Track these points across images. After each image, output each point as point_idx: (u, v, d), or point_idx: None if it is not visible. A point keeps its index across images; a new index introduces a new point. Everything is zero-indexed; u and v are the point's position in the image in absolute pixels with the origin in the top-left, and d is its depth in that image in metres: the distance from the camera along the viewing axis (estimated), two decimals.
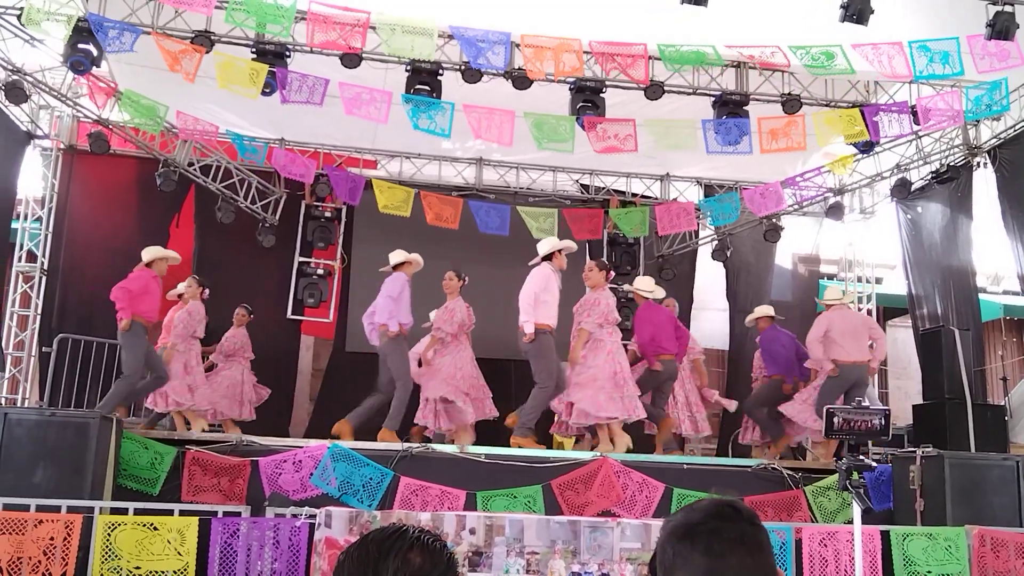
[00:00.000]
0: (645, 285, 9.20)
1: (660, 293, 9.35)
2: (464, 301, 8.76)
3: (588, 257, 12.17)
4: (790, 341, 9.59)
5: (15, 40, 8.48)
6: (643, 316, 8.97)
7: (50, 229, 10.81)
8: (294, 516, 5.95)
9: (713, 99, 8.76)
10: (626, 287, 9.16)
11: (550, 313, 8.06)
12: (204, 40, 7.88)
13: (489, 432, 8.92)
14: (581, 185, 12.17)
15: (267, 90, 7.97)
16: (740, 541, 1.53)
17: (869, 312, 12.62)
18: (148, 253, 8.36)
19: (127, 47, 7.66)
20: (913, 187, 10.63)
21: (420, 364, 8.77)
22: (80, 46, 7.68)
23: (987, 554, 6.18)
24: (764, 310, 9.95)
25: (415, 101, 8.26)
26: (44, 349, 10.27)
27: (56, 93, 9.40)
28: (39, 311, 10.68)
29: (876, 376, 12.31)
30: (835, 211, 11.23)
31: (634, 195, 12.08)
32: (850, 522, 6.08)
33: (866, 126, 8.64)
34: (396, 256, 8.72)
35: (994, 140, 9.66)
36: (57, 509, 5.77)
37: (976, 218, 10.10)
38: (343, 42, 7.87)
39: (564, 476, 7.13)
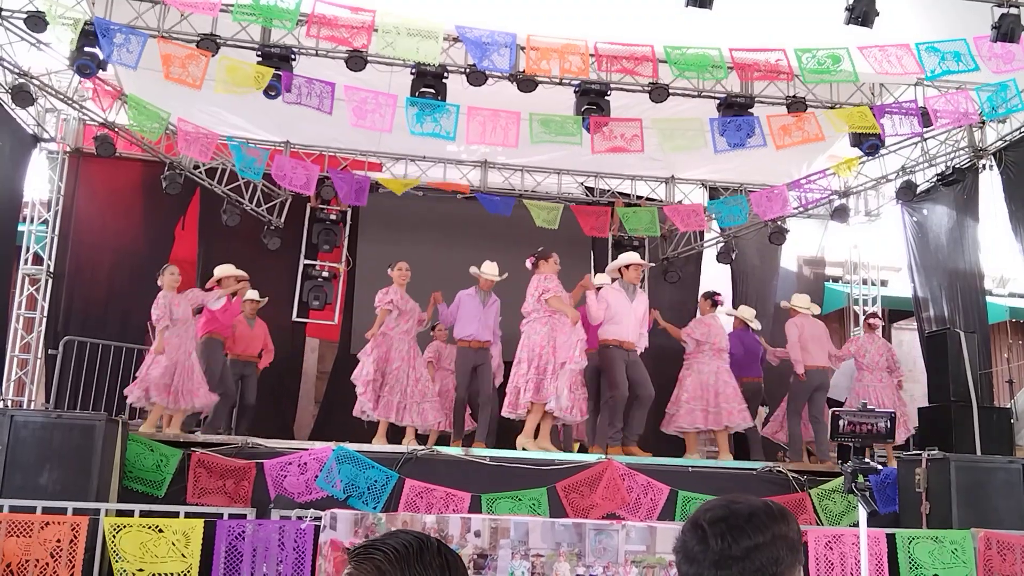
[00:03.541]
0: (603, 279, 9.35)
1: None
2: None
3: (593, 261, 12.20)
4: (756, 344, 9.91)
5: (21, 43, 8.52)
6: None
7: (56, 232, 10.83)
8: (299, 518, 5.95)
9: (718, 102, 8.75)
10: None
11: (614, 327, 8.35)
12: (210, 44, 7.89)
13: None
14: (586, 188, 12.17)
15: (272, 93, 7.98)
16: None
17: (873, 314, 12.63)
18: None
19: (132, 63, 7.68)
20: (919, 189, 10.61)
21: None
22: (86, 49, 7.71)
23: (993, 557, 6.17)
24: (743, 312, 10.04)
25: (420, 104, 8.27)
26: (50, 352, 10.30)
27: (62, 96, 9.44)
28: (45, 314, 10.71)
29: None
30: (840, 213, 11.22)
31: (639, 198, 12.08)
32: (856, 525, 6.07)
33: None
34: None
35: (1000, 142, 9.64)
36: (63, 511, 5.79)
37: (982, 220, 10.09)
38: (347, 38, 7.89)
39: (569, 479, 7.13)
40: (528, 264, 8.20)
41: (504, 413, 8.04)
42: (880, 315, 9.80)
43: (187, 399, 8.11)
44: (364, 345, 11.19)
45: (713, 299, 9.32)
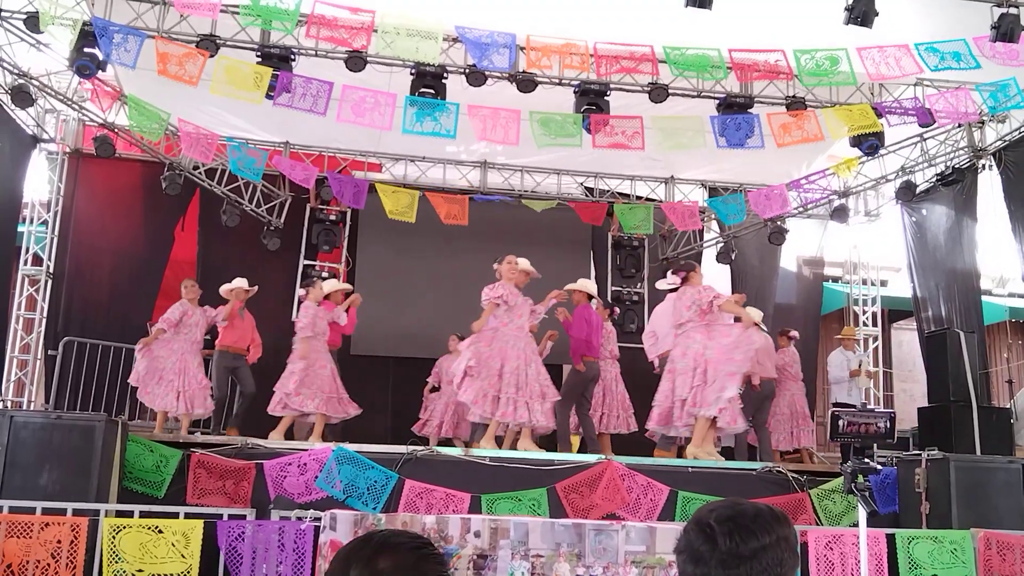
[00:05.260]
0: (588, 287, 9.26)
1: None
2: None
3: (593, 261, 12.20)
4: None
5: (21, 44, 8.52)
6: (580, 315, 8.93)
7: (56, 233, 10.84)
8: (299, 519, 5.95)
9: (718, 102, 8.74)
10: (569, 286, 9.12)
11: None
12: (209, 44, 7.88)
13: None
14: (586, 188, 12.17)
15: (271, 93, 7.98)
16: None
17: (874, 314, 12.66)
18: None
19: (130, 63, 7.68)
20: (918, 189, 10.62)
21: None
22: (86, 50, 7.71)
23: (993, 557, 6.17)
24: None
25: (419, 103, 8.26)
26: (50, 352, 10.31)
27: (62, 97, 9.44)
28: (45, 314, 10.71)
29: (881, 379, 12.35)
30: (840, 213, 11.22)
31: (639, 198, 12.08)
32: (856, 525, 6.07)
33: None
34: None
35: (999, 142, 9.65)
36: (63, 512, 5.78)
37: (981, 220, 10.10)
38: (347, 39, 7.89)
39: (569, 479, 7.12)
40: (678, 281, 8.06)
41: (652, 428, 8.14)
42: (793, 330, 10.54)
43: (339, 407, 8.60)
44: (363, 346, 11.27)
45: (610, 307, 9.85)
